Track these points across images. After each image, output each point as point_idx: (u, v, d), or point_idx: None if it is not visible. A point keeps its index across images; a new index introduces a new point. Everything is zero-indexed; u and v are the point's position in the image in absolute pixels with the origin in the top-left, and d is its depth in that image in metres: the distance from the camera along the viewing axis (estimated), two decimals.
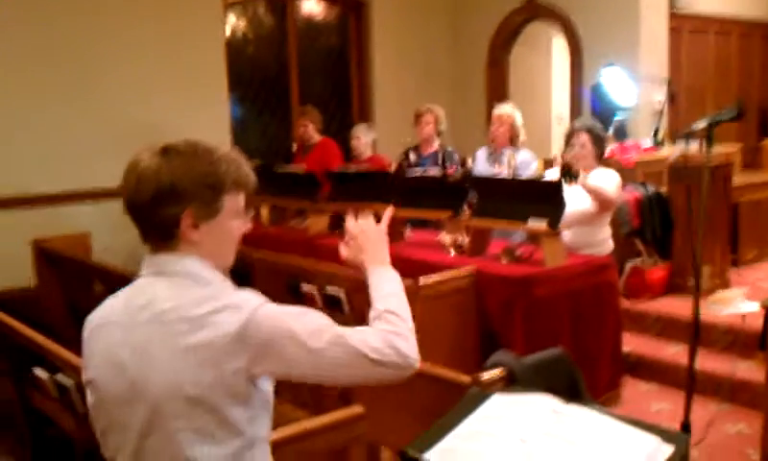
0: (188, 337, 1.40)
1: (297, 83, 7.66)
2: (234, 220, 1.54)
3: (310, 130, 6.19)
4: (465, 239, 4.40)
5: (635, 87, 6.73)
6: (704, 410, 4.06)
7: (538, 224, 3.99)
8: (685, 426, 2.66)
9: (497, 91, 8.26)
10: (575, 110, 7.63)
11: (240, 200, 1.54)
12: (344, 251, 1.71)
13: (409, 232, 4.95)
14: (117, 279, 4.71)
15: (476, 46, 8.35)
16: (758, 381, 4.01)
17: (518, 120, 5.24)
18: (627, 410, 4.15)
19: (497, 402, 1.73)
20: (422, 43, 8.29)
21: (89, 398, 1.55)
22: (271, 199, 5.72)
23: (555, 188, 4.01)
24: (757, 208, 6.27)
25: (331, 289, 4.10)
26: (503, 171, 5.07)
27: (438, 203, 4.60)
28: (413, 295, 3.67)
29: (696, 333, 2.85)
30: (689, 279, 5.29)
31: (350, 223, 1.70)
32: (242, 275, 4.88)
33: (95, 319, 1.56)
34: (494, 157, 5.23)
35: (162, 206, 1.45)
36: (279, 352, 1.42)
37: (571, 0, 7.48)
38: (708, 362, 4.46)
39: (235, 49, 7.13)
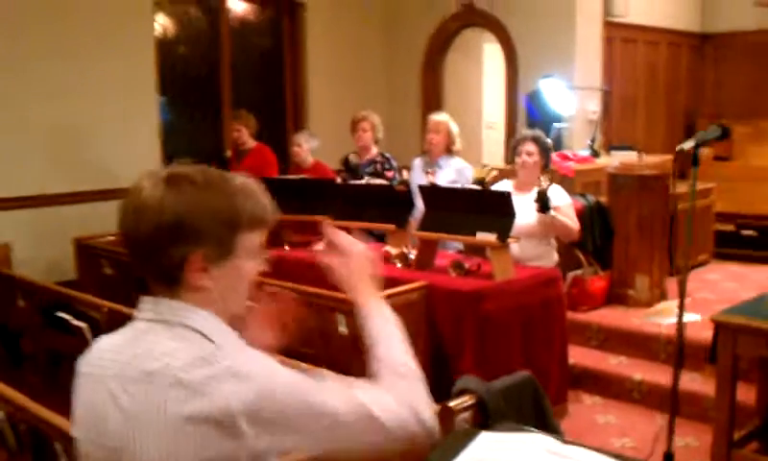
0: (185, 406, 1.18)
1: (229, 85, 7.41)
2: (249, 261, 1.32)
3: (244, 135, 5.99)
4: (411, 251, 4.30)
5: (571, 97, 6.76)
6: (650, 424, 4.06)
7: (487, 237, 3.91)
8: (668, 457, 2.60)
9: (432, 98, 8.22)
10: (511, 118, 7.64)
11: (256, 238, 1.32)
12: (336, 268, 1.50)
13: None
14: (41, 293, 4.43)
15: (411, 52, 8.28)
16: (704, 394, 4.04)
17: (454, 128, 5.18)
18: (574, 424, 4.11)
19: (486, 442, 1.62)
20: (357, 48, 8.17)
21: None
22: None
23: (504, 200, 3.95)
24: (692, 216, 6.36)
25: None
26: (437, 180, 5.00)
27: (382, 214, 4.48)
28: None
29: (680, 354, 2.80)
30: (629, 289, 5.33)
31: (344, 237, 1.51)
32: None
33: (83, 364, 1.35)
34: (430, 165, 5.16)
35: (166, 246, 1.24)
36: (294, 428, 1.22)
37: (507, 7, 7.48)
38: (651, 374, 4.48)
39: (165, 50, 6.85)
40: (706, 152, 8.04)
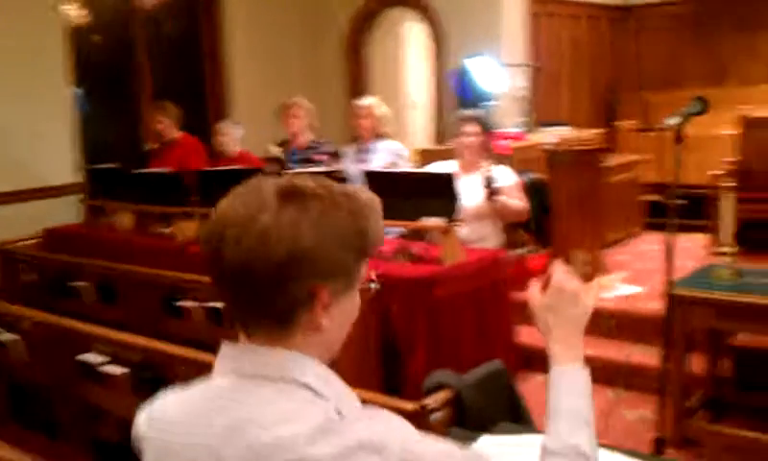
0: None
1: (148, 74, 7.08)
2: (358, 294, 1.11)
3: (167, 126, 5.73)
4: None
5: (500, 74, 6.73)
6: (601, 398, 4.06)
7: (434, 221, 3.82)
8: (660, 441, 2.55)
9: (357, 81, 8.08)
10: (440, 98, 7.58)
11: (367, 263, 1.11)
12: (536, 302, 1.28)
13: None
14: None
15: (333, 34, 8.11)
16: (654, 365, 4.06)
17: (383, 111, 5.08)
18: (529, 406, 4.07)
19: (488, 446, 1.52)
20: (278, 32, 7.93)
21: None
22: (131, 205, 5.18)
23: (448, 182, 3.86)
24: (619, 190, 6.44)
25: (215, 303, 3.75)
26: (370, 165, 4.88)
27: None
28: None
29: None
30: (568, 266, 5.31)
31: (558, 273, 1.28)
32: (107, 293, 4.40)
33: (147, 426, 1.08)
34: (362, 150, 5.04)
35: (290, 281, 0.99)
36: None
37: None
38: (597, 349, 4.48)
39: (79, 39, 6.46)
40: (628, 124, 8.18)
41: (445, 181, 3.88)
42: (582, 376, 1.23)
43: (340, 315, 1.06)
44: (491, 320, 3.95)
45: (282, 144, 5.41)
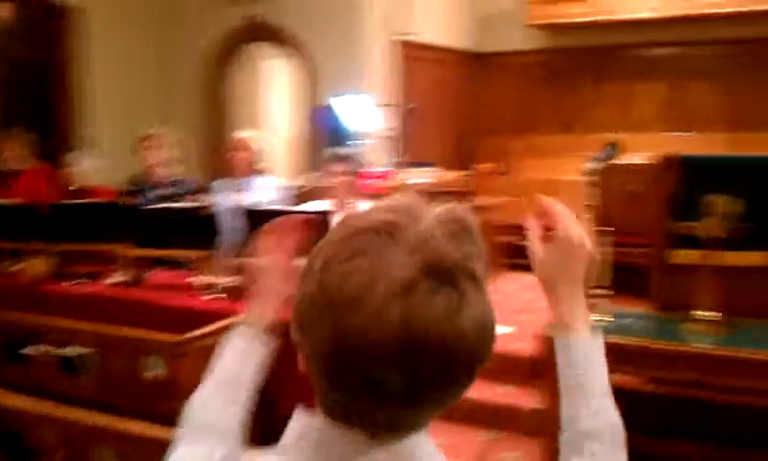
0: None
1: None
2: None
3: (17, 155, 5.29)
4: (221, 280, 3.93)
5: (368, 113, 6.72)
6: (474, 441, 4.02)
7: None
8: None
9: (215, 114, 7.86)
10: (304, 134, 7.47)
11: None
12: (540, 256, 1.09)
13: (150, 273, 4.34)
14: None
15: (193, 67, 7.85)
16: (529, 407, 4.07)
17: (260, 145, 4.90)
18: None
19: None
20: (134, 61, 7.59)
21: None
22: None
23: (322, 221, 3.72)
24: (482, 232, 6.53)
25: (71, 350, 3.40)
26: (248, 200, 4.68)
27: (188, 240, 4.07)
28: (183, 352, 3.17)
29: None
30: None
31: (567, 217, 1.08)
32: None
33: None
34: (237, 185, 4.83)
35: (468, 372, 0.86)
36: None
37: (297, 21, 7.32)
38: (471, 390, 4.44)
39: None
40: (487, 167, 8.39)
41: (320, 221, 3.74)
42: (600, 343, 1.08)
43: None
44: None
45: (137, 179, 5.11)
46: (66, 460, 3.01)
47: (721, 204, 3.36)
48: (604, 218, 5.42)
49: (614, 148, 2.97)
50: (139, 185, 5.08)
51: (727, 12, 8.28)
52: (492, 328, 0.87)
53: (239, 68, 8.06)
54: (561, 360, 1.08)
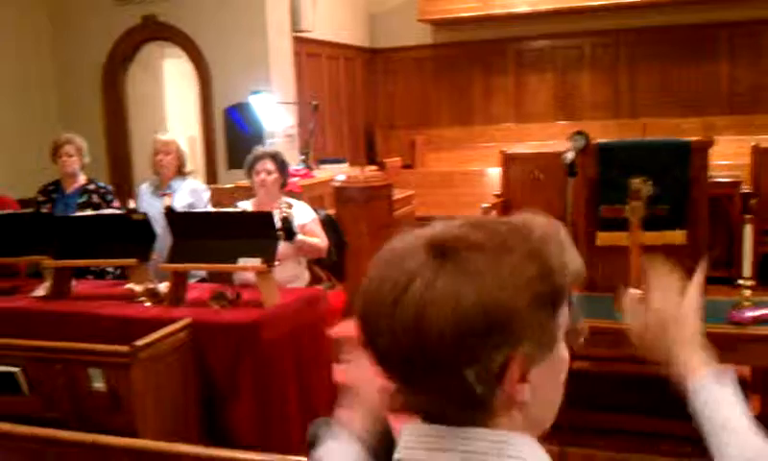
0: None
1: None
2: (564, 345, 0.89)
3: None
4: (157, 286, 3.86)
5: (273, 111, 6.69)
6: None
7: (251, 262, 3.65)
8: None
9: (114, 115, 7.62)
10: (209, 134, 7.36)
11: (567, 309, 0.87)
12: (637, 329, 1.10)
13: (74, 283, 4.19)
14: None
15: (89, 67, 7.57)
16: None
17: (183, 147, 4.82)
18: None
19: None
20: (22, 60, 7.24)
21: None
22: None
23: (267, 221, 3.73)
24: (402, 223, 6.68)
25: (6, 369, 3.27)
26: (173, 205, 4.60)
27: (119, 248, 3.96)
28: (127, 364, 3.10)
29: None
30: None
31: (657, 293, 1.08)
32: None
33: None
34: (163, 189, 4.73)
35: (466, 362, 0.79)
36: None
37: (191, 19, 7.19)
38: None
39: None
40: (396, 162, 8.54)
41: (263, 222, 3.74)
42: (728, 380, 1.07)
43: (544, 382, 0.85)
44: (311, 359, 3.85)
45: (49, 186, 4.93)
46: None
47: (643, 187, 3.60)
48: (506, 208, 5.69)
49: (582, 135, 3.11)
50: (51, 194, 4.89)
51: (599, 3, 8.74)
52: None
53: (138, 68, 7.83)
54: (692, 397, 1.08)
